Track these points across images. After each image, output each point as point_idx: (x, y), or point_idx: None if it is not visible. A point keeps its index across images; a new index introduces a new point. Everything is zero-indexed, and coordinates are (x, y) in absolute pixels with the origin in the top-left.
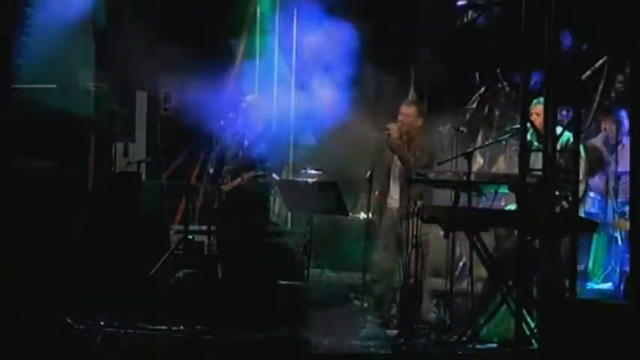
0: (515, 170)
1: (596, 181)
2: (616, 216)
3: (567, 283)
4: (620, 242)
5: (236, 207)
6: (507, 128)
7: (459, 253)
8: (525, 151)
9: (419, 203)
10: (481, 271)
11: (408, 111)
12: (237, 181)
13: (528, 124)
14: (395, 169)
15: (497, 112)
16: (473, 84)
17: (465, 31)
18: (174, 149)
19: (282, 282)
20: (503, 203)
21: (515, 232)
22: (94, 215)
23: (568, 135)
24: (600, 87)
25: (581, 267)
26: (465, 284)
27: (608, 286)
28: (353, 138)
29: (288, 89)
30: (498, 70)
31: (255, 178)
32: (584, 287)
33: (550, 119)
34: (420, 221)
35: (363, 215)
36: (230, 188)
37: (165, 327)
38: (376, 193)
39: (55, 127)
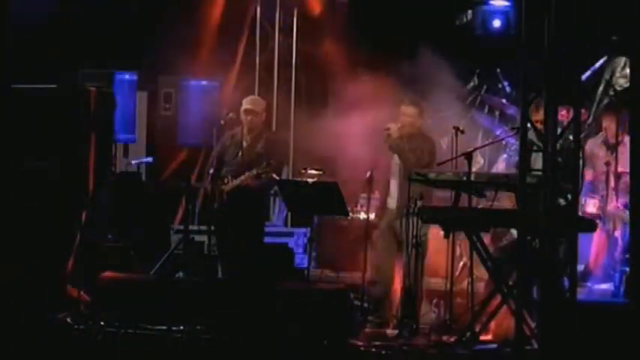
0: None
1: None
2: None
3: (567, 283)
4: (620, 242)
5: (236, 207)
6: (507, 128)
7: (459, 253)
8: (525, 151)
9: (419, 203)
10: (481, 271)
11: (407, 111)
12: (240, 179)
13: (529, 125)
14: (395, 168)
15: (497, 112)
16: (473, 84)
17: (465, 31)
18: (174, 149)
19: (282, 282)
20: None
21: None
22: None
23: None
24: (600, 87)
25: (581, 267)
26: (464, 284)
27: (608, 286)
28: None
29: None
30: (498, 70)
31: (257, 177)
32: (585, 287)
33: (550, 119)
34: (419, 221)
35: (363, 215)
36: (230, 188)
37: (165, 327)
38: (376, 192)
39: (55, 127)
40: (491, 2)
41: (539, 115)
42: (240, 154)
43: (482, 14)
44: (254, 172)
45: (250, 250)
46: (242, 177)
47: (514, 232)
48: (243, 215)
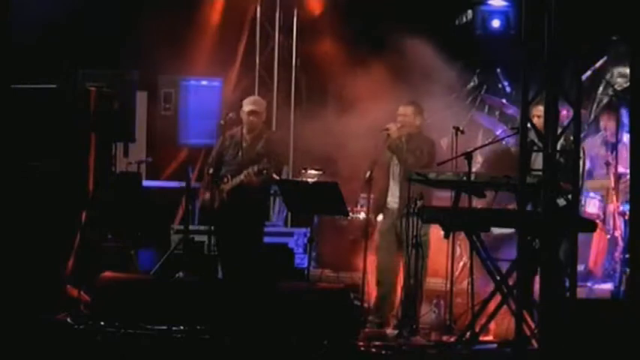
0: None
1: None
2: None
3: (567, 283)
4: (620, 242)
5: (236, 206)
6: (507, 128)
7: (459, 253)
8: (525, 150)
9: (419, 203)
10: (481, 271)
11: (406, 111)
12: (240, 177)
13: (529, 125)
14: (395, 168)
15: (497, 112)
16: (473, 84)
17: (465, 31)
18: (174, 149)
19: (282, 282)
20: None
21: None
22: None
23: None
24: (601, 86)
25: (581, 267)
26: (464, 284)
27: (608, 286)
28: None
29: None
30: (498, 70)
31: (258, 173)
32: (585, 287)
33: (550, 119)
34: (420, 221)
35: (363, 215)
36: (230, 188)
37: (165, 327)
38: (376, 192)
39: (55, 127)
40: (491, 2)
41: (538, 111)
42: (240, 153)
43: (482, 14)
44: (255, 168)
45: (250, 249)
46: (242, 174)
47: (494, 229)
48: (244, 215)
